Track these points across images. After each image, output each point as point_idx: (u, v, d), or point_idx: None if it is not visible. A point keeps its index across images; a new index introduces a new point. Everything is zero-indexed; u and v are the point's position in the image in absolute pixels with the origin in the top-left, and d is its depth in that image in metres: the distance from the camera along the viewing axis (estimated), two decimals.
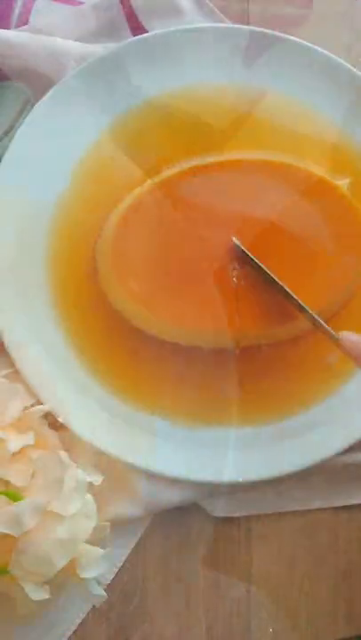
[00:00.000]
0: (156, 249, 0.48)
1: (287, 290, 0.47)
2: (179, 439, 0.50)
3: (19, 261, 0.50)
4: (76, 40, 0.51)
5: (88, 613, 0.51)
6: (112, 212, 0.50)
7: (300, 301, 0.47)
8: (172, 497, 0.49)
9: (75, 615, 0.50)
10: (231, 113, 0.51)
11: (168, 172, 0.48)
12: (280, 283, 0.47)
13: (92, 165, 0.50)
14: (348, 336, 0.44)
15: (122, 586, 0.51)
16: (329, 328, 0.46)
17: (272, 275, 0.47)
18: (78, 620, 0.50)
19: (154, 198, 0.48)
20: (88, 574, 0.44)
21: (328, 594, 0.52)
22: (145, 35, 0.50)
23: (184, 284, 0.48)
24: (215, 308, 0.48)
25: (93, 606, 0.50)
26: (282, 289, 0.47)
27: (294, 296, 0.47)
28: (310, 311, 0.47)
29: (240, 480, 0.49)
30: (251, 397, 0.50)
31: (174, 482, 0.49)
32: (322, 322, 0.47)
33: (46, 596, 0.42)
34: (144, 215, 0.48)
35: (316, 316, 0.47)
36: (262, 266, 0.47)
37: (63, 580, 0.44)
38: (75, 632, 0.50)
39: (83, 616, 0.51)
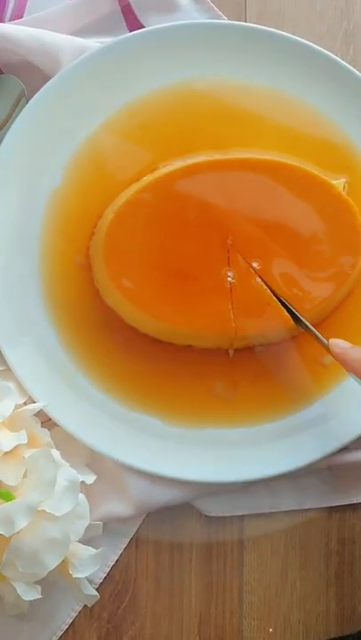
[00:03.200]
0: (150, 247, 0.47)
1: (278, 296, 0.47)
2: (172, 438, 0.50)
3: (11, 258, 0.49)
4: (71, 35, 0.51)
5: (80, 613, 0.51)
6: (107, 208, 0.49)
7: (292, 308, 0.47)
8: (165, 497, 0.49)
9: (66, 615, 0.50)
10: (227, 110, 0.50)
11: (164, 170, 0.48)
12: (270, 289, 0.47)
13: (86, 161, 0.50)
14: (338, 342, 0.44)
15: (114, 585, 0.51)
16: (319, 334, 0.46)
17: (263, 280, 0.47)
18: (70, 620, 0.50)
19: (149, 196, 0.47)
20: (80, 574, 0.43)
21: (320, 594, 0.52)
22: (141, 30, 0.50)
23: (178, 282, 0.47)
24: (209, 308, 0.47)
25: (85, 606, 0.50)
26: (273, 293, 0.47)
27: (285, 302, 0.47)
28: (302, 317, 0.47)
29: (233, 480, 0.49)
30: (244, 397, 0.50)
31: (167, 481, 0.49)
32: (312, 328, 0.47)
33: (38, 596, 0.42)
34: (139, 212, 0.47)
35: (307, 322, 0.47)
36: (256, 269, 0.47)
37: (55, 580, 0.44)
38: (66, 631, 0.50)
39: (74, 615, 0.50)
